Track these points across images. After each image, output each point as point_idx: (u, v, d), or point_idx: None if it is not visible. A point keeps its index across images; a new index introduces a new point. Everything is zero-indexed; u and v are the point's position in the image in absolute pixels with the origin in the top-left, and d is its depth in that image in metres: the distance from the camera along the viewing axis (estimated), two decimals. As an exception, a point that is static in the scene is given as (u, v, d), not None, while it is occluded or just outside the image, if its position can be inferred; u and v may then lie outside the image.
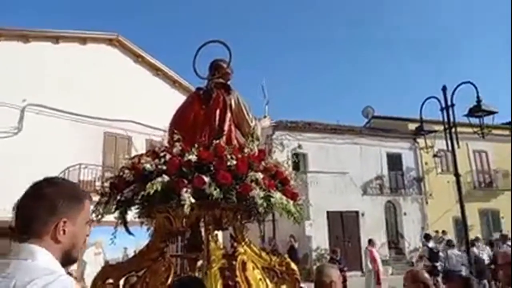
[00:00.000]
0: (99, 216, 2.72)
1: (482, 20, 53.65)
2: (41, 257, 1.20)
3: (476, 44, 54.37)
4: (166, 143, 2.99)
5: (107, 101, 14.22)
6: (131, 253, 8.07)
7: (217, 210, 2.75)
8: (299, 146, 18.92)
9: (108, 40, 16.08)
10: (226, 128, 3.08)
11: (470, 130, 8.37)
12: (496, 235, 16.93)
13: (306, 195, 13.81)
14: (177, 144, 2.75)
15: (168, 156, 2.68)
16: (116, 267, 2.92)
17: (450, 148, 7.66)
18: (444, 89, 7.84)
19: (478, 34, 54.36)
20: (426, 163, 21.37)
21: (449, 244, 12.26)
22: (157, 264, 2.73)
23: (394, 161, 21.71)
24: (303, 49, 56.25)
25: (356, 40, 55.75)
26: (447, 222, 19.67)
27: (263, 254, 3.03)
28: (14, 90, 12.55)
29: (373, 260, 11.76)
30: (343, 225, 18.15)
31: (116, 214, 2.79)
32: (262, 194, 2.61)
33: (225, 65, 3.36)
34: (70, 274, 1.34)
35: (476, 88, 7.38)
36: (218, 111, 3.13)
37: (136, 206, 2.80)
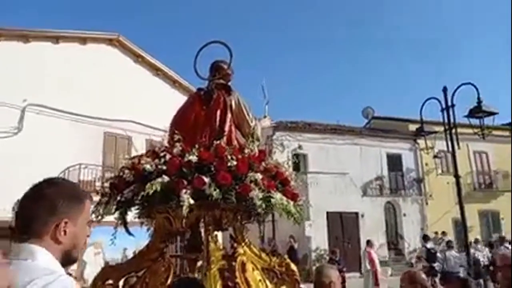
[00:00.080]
0: (99, 217, 2.72)
1: (482, 20, 53.68)
2: (41, 257, 1.19)
3: (476, 44, 54.41)
4: (166, 143, 2.99)
5: (107, 101, 14.21)
6: (130, 254, 8.06)
7: (217, 211, 2.75)
8: (299, 147, 18.92)
9: (108, 40, 16.08)
10: (226, 128, 3.08)
11: (470, 131, 8.39)
12: (496, 237, 16.93)
13: (306, 195, 13.78)
14: (177, 144, 2.76)
15: (168, 156, 2.68)
16: (116, 267, 2.92)
17: (450, 149, 7.67)
18: (444, 90, 7.85)
19: (478, 34, 54.39)
20: (426, 164, 21.37)
21: (449, 245, 12.28)
22: (156, 265, 2.73)
23: (394, 162, 21.70)
24: (303, 49, 56.32)
25: (356, 40, 55.80)
26: (446, 223, 19.66)
27: (263, 255, 3.03)
28: (14, 90, 12.55)
29: (371, 261, 11.77)
30: (343, 225, 18.16)
31: (116, 214, 2.79)
32: (261, 195, 2.61)
33: (225, 66, 3.36)
34: (69, 274, 1.34)
35: (476, 89, 7.40)
36: (218, 112, 3.13)
37: (136, 207, 2.80)
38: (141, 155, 2.88)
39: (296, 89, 55.80)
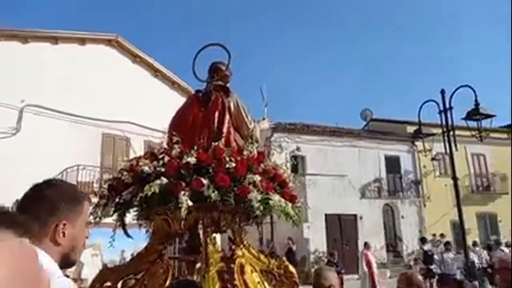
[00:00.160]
0: (97, 219, 2.72)
1: (482, 20, 53.75)
2: (40, 259, 1.19)
3: (476, 45, 54.51)
4: (165, 145, 2.99)
5: (106, 102, 14.20)
6: (128, 256, 8.03)
7: (216, 213, 2.74)
8: (298, 149, 18.93)
9: (107, 41, 16.08)
10: (225, 130, 3.08)
11: (468, 133, 8.39)
12: (494, 240, 16.96)
13: (304, 197, 13.73)
14: (176, 146, 2.75)
15: (166, 158, 2.68)
16: (114, 270, 2.91)
17: (448, 151, 7.69)
18: (442, 92, 7.88)
19: (478, 34, 54.45)
20: (424, 166, 21.39)
21: (447, 247, 12.28)
22: (155, 267, 2.72)
23: (392, 164, 21.72)
24: (303, 49, 56.43)
25: (356, 41, 55.85)
26: (444, 225, 19.67)
27: (262, 257, 3.02)
28: (13, 91, 12.54)
29: (368, 263, 11.77)
30: (341, 228, 18.16)
31: (115, 216, 2.78)
32: (259, 197, 2.61)
33: (224, 68, 3.37)
34: (67, 276, 1.34)
35: (474, 91, 7.43)
36: (217, 114, 3.13)
37: (135, 209, 2.80)
38: (140, 157, 2.87)
39: (295, 91, 55.86)
